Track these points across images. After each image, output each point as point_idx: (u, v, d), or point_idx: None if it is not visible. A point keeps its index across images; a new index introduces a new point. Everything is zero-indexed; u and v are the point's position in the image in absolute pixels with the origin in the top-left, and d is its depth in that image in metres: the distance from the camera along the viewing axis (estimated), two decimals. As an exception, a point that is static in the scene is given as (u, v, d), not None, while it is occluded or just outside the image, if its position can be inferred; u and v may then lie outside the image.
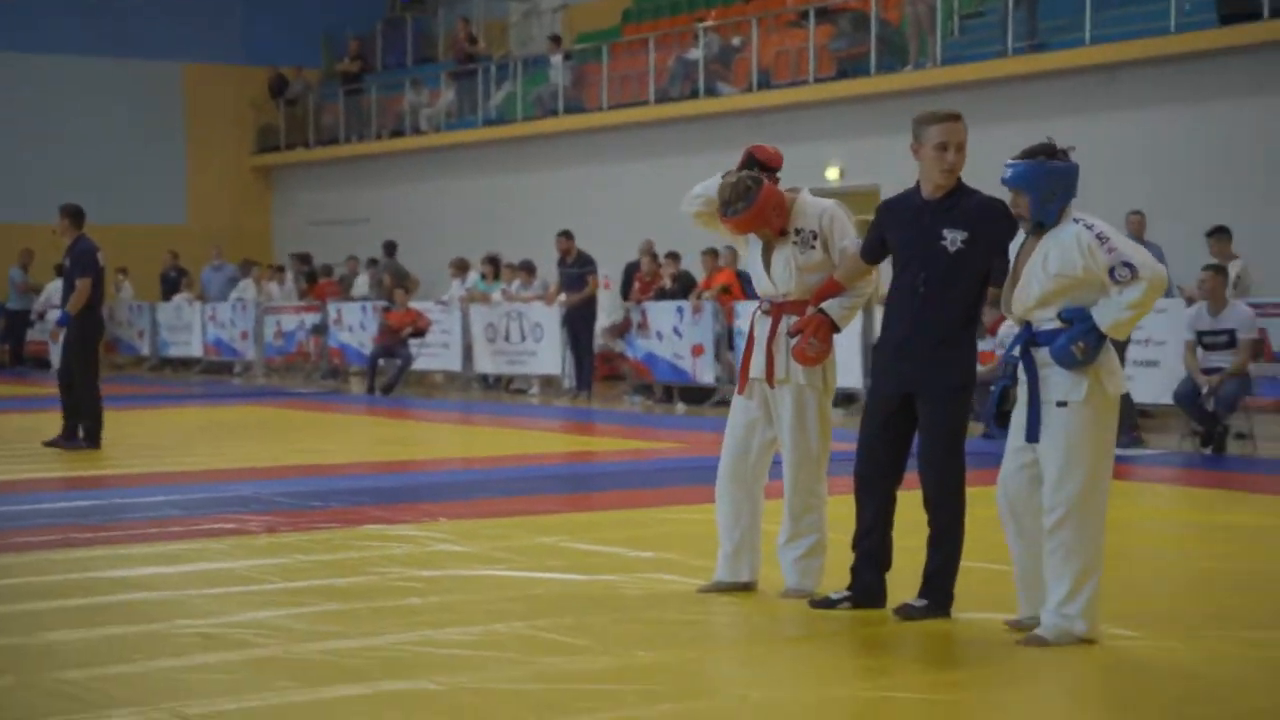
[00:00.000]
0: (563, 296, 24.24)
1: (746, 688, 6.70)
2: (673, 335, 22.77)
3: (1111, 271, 7.13)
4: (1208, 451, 15.74)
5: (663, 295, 23.51)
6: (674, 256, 23.93)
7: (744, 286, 22.83)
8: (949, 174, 7.70)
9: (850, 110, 25.62)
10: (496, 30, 36.61)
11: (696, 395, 22.72)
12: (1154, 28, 21.91)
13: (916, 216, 7.79)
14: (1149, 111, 21.94)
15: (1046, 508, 7.28)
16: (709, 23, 28.83)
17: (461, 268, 27.59)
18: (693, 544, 9.89)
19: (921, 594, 7.84)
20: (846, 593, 8.07)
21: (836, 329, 8.17)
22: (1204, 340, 15.80)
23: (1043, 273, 7.27)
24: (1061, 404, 7.27)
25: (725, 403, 21.61)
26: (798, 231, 8.24)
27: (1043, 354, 7.31)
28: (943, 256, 7.68)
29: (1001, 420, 7.62)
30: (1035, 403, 7.33)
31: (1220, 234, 18.22)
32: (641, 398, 23.48)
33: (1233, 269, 17.32)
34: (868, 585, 8.03)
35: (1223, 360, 15.67)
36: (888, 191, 8.34)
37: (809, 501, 8.31)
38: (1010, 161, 7.35)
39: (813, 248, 8.22)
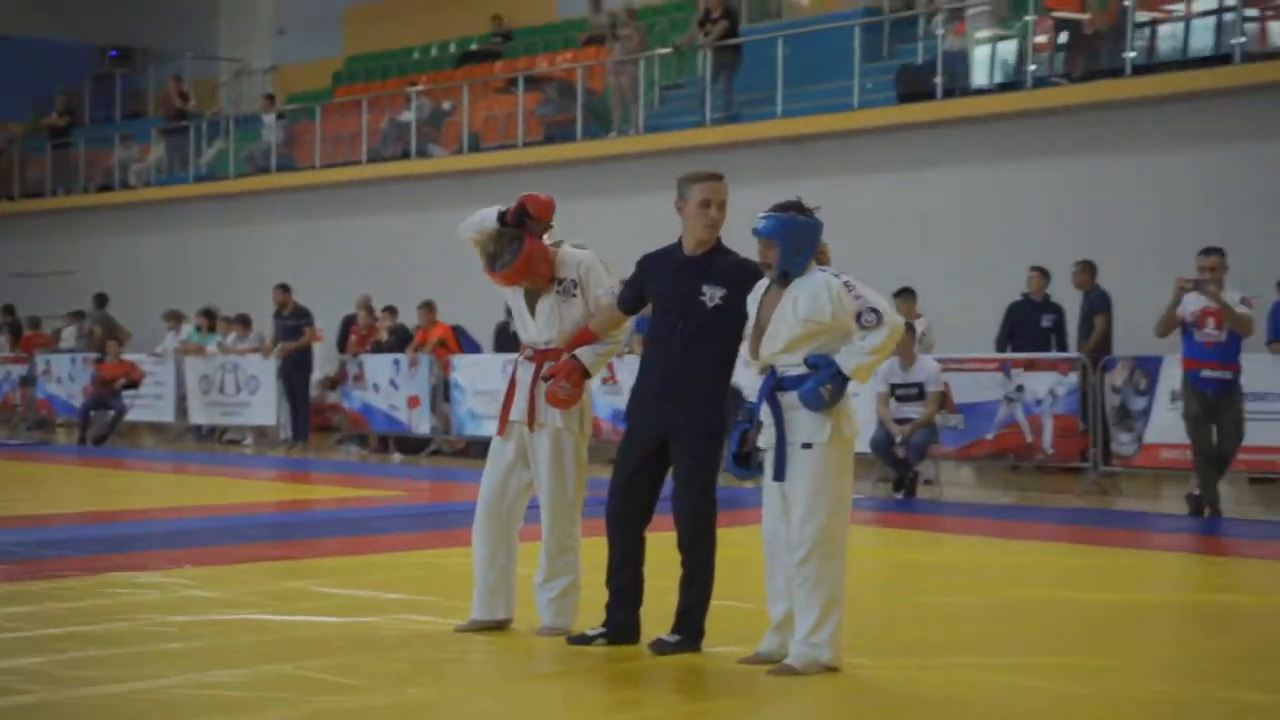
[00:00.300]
0: (279, 348, 24.26)
1: (518, 721, 6.80)
2: (389, 387, 23.06)
3: (859, 317, 7.50)
4: (899, 496, 16.55)
5: (379, 348, 23.67)
6: (391, 310, 24.08)
7: (459, 340, 23.14)
8: (711, 229, 8.02)
9: (557, 173, 25.96)
10: (207, 89, 36.47)
11: (412, 445, 23.04)
12: (839, 104, 23.02)
13: (679, 271, 8.07)
14: (835, 180, 22.61)
15: (794, 543, 7.53)
16: (420, 87, 29.20)
17: (176, 319, 27.35)
18: (439, 585, 10.09)
19: (674, 630, 8.04)
20: (601, 629, 8.23)
21: (588, 375, 8.40)
22: (896, 392, 16.67)
23: (793, 317, 7.56)
24: (806, 445, 7.53)
25: (440, 452, 22.08)
26: (559, 281, 8.50)
27: (789, 398, 7.58)
28: (702, 310, 7.97)
29: (740, 461, 7.89)
30: (781, 444, 7.60)
31: (906, 294, 19.04)
32: (357, 448, 23.65)
33: (919, 327, 18.17)
34: (621, 622, 8.21)
35: (913, 411, 16.56)
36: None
37: (565, 543, 8.48)
38: (763, 214, 7.67)
39: (574, 296, 8.48)
